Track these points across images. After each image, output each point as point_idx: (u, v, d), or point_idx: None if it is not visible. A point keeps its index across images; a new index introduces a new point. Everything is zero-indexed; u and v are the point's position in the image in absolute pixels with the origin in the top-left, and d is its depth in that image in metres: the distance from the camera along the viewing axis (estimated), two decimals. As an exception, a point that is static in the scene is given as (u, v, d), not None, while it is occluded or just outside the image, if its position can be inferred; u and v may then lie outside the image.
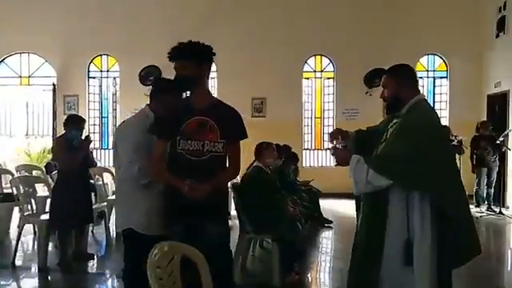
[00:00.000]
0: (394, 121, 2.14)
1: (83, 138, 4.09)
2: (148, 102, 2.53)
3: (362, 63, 8.18)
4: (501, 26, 7.55)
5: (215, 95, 8.84)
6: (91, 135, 4.92)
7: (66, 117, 4.36)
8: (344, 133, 2.37)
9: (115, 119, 9.23)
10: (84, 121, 4.24)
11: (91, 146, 4.42)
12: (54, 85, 8.60)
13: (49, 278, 4.05)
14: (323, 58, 9.01)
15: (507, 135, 6.87)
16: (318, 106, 9.21)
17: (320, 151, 9.07)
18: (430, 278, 1.96)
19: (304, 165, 8.61)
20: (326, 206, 6.58)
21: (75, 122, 4.07)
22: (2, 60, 8.87)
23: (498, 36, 7.66)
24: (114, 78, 9.15)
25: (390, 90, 2.15)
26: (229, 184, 4.72)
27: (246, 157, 4.47)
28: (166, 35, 8.50)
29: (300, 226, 3.83)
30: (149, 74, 8.55)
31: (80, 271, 4.13)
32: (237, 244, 3.92)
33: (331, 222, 5.87)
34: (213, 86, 9.07)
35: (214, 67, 8.75)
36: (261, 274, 4.04)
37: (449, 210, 1.94)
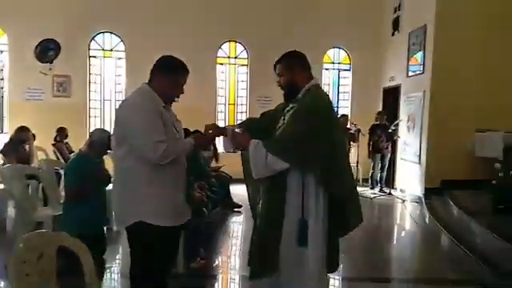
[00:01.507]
0: (291, 105, 2.19)
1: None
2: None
3: (274, 52, 8.31)
4: (396, 25, 8.35)
5: (125, 84, 8.29)
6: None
7: None
8: (221, 129, 2.32)
9: (2, 98, 8.12)
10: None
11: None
12: None
13: None
14: (237, 44, 9.02)
15: (398, 125, 7.67)
16: (232, 93, 9.23)
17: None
18: (321, 257, 2.08)
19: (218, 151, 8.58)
20: (237, 191, 6.66)
21: None
22: None
23: (393, 34, 8.46)
24: (1, 52, 8.02)
25: (285, 77, 2.18)
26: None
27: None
28: (59, 7, 7.72)
29: (206, 211, 3.79)
30: (45, 50, 7.68)
31: None
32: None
33: (240, 206, 5.97)
34: (120, 74, 8.51)
35: (122, 55, 8.40)
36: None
37: (335, 190, 2.06)
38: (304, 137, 1.99)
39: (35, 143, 6.64)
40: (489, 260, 3.88)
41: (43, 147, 6.76)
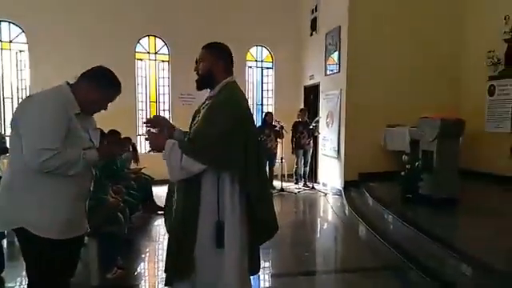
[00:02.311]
0: (206, 102, 2.09)
1: None
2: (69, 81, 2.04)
3: (197, 48, 8.14)
4: (313, 25, 8.67)
5: (29, 79, 7.37)
6: None
7: None
8: (165, 121, 2.25)
9: None
10: None
11: None
12: None
13: None
14: (157, 39, 8.63)
15: (318, 121, 7.99)
16: (153, 90, 8.81)
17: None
18: (240, 259, 2.01)
19: (140, 151, 8.13)
20: (160, 193, 6.35)
21: None
22: None
23: (311, 34, 8.77)
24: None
25: (205, 64, 2.08)
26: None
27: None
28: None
29: (122, 217, 3.49)
30: None
31: None
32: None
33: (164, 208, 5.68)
34: (22, 69, 7.59)
35: (24, 47, 7.51)
36: (78, 273, 3.54)
37: (250, 189, 1.99)
38: (218, 136, 1.89)
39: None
40: (399, 246, 4.18)
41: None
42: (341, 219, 5.84)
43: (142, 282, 3.50)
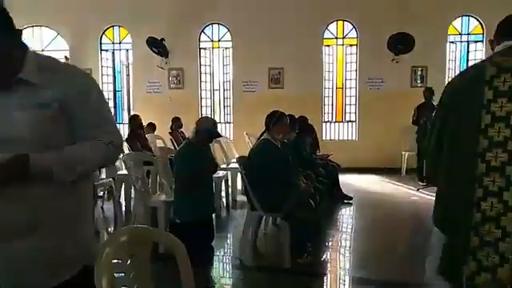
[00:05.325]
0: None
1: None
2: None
3: (386, 28, 7.54)
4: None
5: (231, 66, 8.22)
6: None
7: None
8: None
9: (129, 92, 9.04)
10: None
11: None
12: (66, 58, 8.42)
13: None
14: (345, 23, 8.38)
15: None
16: (339, 76, 8.67)
17: (341, 124, 8.62)
18: None
19: (324, 138, 8.21)
20: (347, 181, 6.21)
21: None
22: (15, 34, 8.73)
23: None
24: (127, 50, 8.88)
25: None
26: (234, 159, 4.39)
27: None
28: (177, 5, 8.14)
29: (313, 203, 3.49)
30: (159, 46, 8.20)
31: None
32: (244, 222, 3.66)
33: (351, 198, 5.50)
34: (227, 56, 8.69)
35: (229, 45, 8.58)
36: (271, 254, 3.77)
37: None
38: None
39: (156, 133, 7.23)
40: None
41: (162, 136, 7.29)
42: None
43: (330, 272, 3.44)
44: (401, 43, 7.47)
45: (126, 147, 6.12)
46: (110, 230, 4.74)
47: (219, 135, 3.69)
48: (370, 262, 3.48)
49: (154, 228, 1.49)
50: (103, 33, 8.74)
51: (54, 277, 1.26)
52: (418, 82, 8.00)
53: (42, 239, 1.21)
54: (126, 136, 6.06)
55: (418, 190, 6.08)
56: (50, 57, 1.30)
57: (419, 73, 8.00)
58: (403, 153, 7.37)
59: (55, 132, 1.24)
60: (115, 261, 1.25)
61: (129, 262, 1.31)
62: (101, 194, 5.52)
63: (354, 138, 8.40)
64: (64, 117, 1.24)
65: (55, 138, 1.24)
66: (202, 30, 8.64)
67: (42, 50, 8.88)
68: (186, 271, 1.38)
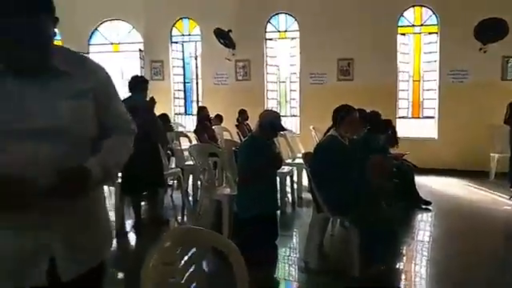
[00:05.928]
0: None
1: (147, 99, 3.92)
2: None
3: (473, 13, 6.71)
4: None
5: (297, 57, 7.93)
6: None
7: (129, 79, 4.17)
8: None
9: (198, 84, 9.20)
10: (147, 82, 4.05)
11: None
12: (140, 51, 8.80)
13: (122, 241, 4.07)
14: (424, 8, 7.64)
15: None
16: (416, 67, 7.98)
17: (418, 120, 7.95)
18: None
19: (398, 135, 7.60)
20: (424, 183, 5.66)
21: (138, 84, 3.89)
22: (96, 28, 9.31)
23: None
24: (196, 42, 9.02)
25: None
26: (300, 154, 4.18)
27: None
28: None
29: (384, 205, 3.16)
30: (225, 37, 8.16)
31: (152, 236, 4.05)
32: (310, 223, 3.45)
33: (429, 203, 4.95)
34: (295, 46, 8.42)
35: (296, 35, 8.32)
36: (339, 260, 3.51)
37: None
38: None
39: (222, 125, 7.27)
40: None
41: (228, 128, 7.30)
42: None
43: (403, 284, 3.10)
44: (491, 30, 6.63)
45: (193, 138, 6.23)
46: (179, 218, 4.83)
47: (283, 129, 3.56)
48: (451, 278, 3.11)
49: (206, 230, 1.37)
50: (173, 25, 8.97)
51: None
52: (510, 74, 7.10)
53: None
54: (194, 127, 6.15)
55: (510, 198, 5.34)
56: (68, 48, 1.26)
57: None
58: (492, 155, 6.53)
59: (92, 122, 1.23)
60: (163, 265, 1.15)
61: (180, 265, 1.22)
62: (170, 183, 5.66)
63: (433, 136, 7.69)
64: (94, 107, 1.23)
65: (92, 128, 1.23)
66: (269, 20, 8.46)
67: (119, 43, 9.38)
68: (241, 276, 1.25)
